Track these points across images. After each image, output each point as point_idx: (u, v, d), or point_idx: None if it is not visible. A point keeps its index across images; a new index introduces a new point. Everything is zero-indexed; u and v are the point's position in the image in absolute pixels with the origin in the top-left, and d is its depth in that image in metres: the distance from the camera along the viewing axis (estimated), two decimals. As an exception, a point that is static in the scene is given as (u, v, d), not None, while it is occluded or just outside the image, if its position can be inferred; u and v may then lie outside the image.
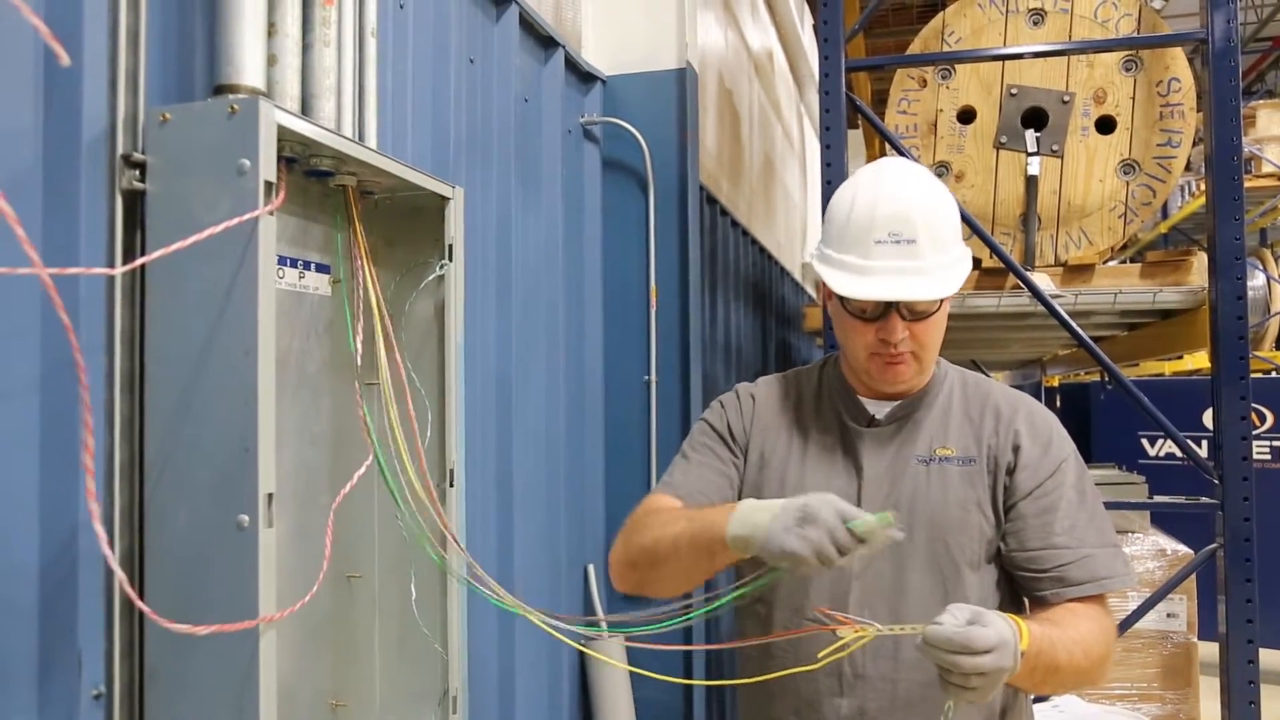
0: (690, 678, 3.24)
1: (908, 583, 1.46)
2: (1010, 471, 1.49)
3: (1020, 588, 1.50)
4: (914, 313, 1.45)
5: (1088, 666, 1.38)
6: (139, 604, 1.22)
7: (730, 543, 1.31)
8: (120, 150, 1.32)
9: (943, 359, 1.60)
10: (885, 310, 1.45)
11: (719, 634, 3.43)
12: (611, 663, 2.86)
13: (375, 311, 1.65)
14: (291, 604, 1.36)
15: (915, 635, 1.24)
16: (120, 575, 1.20)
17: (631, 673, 3.13)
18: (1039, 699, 2.80)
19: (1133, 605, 3.00)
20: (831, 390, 1.62)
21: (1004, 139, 3.26)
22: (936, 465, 1.51)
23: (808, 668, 1.42)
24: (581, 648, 1.60)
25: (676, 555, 1.42)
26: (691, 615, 1.37)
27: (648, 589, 1.52)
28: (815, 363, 1.71)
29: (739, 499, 1.60)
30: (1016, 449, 1.50)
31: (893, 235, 1.42)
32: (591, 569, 3.20)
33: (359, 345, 1.66)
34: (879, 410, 1.56)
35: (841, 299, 1.48)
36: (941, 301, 1.47)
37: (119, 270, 1.29)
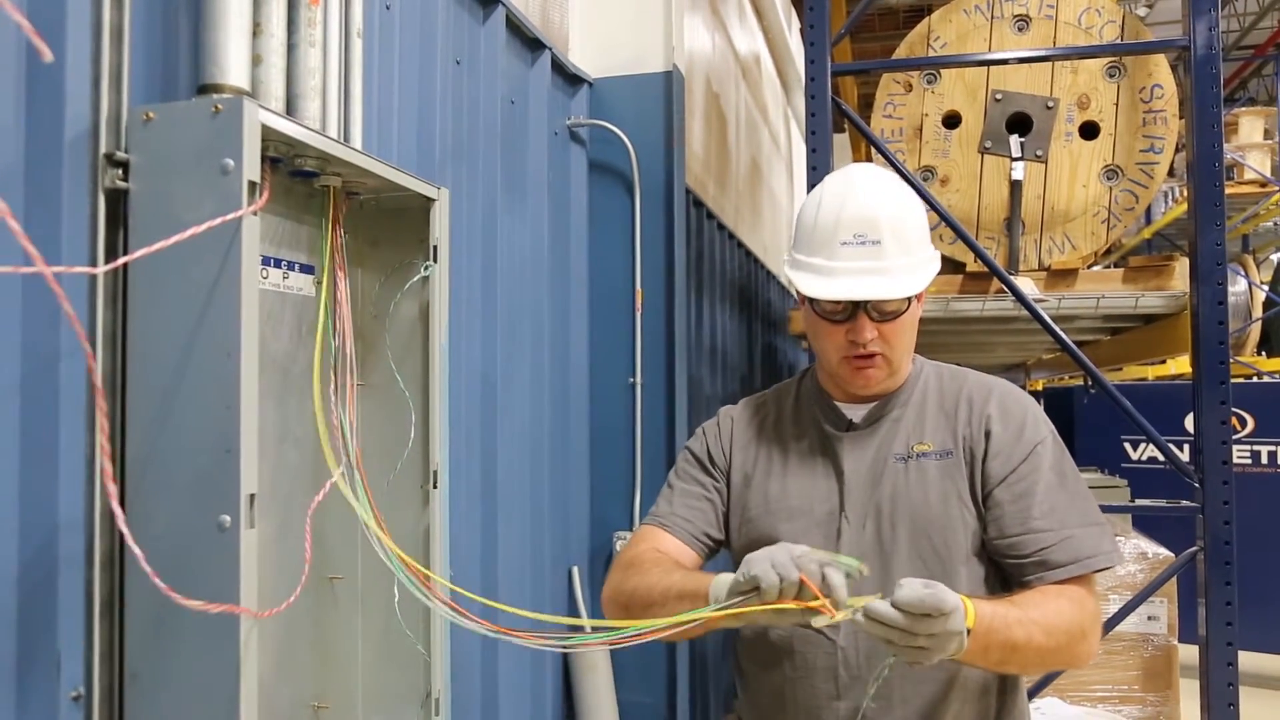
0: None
1: (894, 581, 1.47)
2: (984, 459, 1.49)
3: (1009, 576, 1.50)
4: (882, 313, 1.46)
5: (1052, 646, 1.35)
6: (132, 546, 1.21)
7: (713, 587, 1.33)
8: (103, 149, 1.31)
9: (919, 356, 1.60)
10: (854, 311, 1.46)
11: (704, 641, 3.43)
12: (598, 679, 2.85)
13: (343, 314, 1.64)
14: (273, 605, 1.36)
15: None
16: (119, 514, 1.16)
17: (615, 673, 3.13)
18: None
19: (1114, 608, 3.02)
20: (809, 400, 1.63)
21: (989, 144, 3.28)
22: (915, 462, 1.51)
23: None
24: (565, 647, 1.58)
25: (666, 608, 1.42)
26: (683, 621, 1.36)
27: None
28: (793, 377, 1.72)
29: (725, 520, 1.63)
30: (988, 435, 1.50)
31: (858, 236, 1.44)
32: (576, 571, 3.20)
33: (333, 345, 1.65)
34: (856, 414, 1.57)
35: (812, 302, 1.50)
36: (910, 303, 1.48)
37: (101, 269, 1.28)
